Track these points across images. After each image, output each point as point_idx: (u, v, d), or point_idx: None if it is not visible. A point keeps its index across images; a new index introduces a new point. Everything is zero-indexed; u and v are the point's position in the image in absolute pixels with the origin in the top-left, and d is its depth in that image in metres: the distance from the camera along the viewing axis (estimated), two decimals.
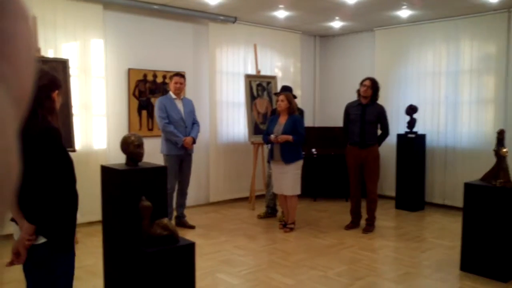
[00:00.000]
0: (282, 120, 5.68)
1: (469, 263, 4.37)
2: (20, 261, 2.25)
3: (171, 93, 5.78)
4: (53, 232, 2.28)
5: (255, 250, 5.09)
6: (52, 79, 2.40)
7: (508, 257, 4.20)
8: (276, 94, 6.32)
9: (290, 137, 5.50)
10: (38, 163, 2.19)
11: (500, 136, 4.37)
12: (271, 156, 5.77)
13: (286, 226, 5.81)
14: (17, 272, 2.56)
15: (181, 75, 5.78)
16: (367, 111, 5.71)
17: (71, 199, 2.34)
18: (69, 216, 2.35)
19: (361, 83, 5.76)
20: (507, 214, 4.18)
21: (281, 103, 5.63)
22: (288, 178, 5.60)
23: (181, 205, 5.98)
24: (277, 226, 5.98)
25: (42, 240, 2.26)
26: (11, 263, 2.28)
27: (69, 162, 2.33)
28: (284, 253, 4.97)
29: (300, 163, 5.68)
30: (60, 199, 2.27)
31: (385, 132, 5.85)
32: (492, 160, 4.44)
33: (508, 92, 6.45)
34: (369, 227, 5.80)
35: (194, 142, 5.76)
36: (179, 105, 5.73)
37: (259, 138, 6.72)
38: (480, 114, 6.78)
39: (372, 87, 5.69)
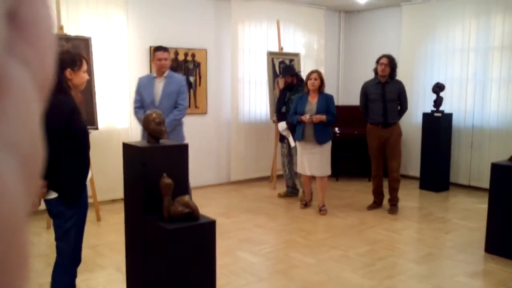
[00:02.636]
0: (313, 99, 5.56)
1: (494, 245, 4.29)
2: (34, 208, 2.65)
3: (154, 71, 5.03)
4: (63, 188, 2.74)
5: (275, 229, 5.09)
6: (63, 58, 2.74)
7: None
8: (283, 74, 6.27)
9: (324, 117, 5.40)
10: (52, 131, 2.51)
11: None
12: (301, 136, 5.57)
13: (321, 209, 5.67)
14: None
15: (164, 48, 4.95)
16: (386, 89, 5.59)
17: (81, 163, 2.81)
18: (77, 177, 2.81)
19: (378, 62, 5.63)
20: None
21: (314, 82, 5.50)
22: (319, 159, 5.53)
23: None
24: (298, 205, 5.96)
25: (54, 195, 2.73)
26: None
27: (81, 130, 2.78)
28: (305, 232, 4.95)
29: (330, 143, 5.62)
30: (68, 163, 2.70)
31: (404, 108, 5.76)
32: None
33: None
34: (394, 208, 5.71)
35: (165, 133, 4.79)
36: (159, 84, 4.85)
37: None
38: (510, 92, 6.56)
39: (389, 64, 5.55)
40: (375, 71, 5.68)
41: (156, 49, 4.95)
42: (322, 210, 5.69)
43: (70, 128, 2.68)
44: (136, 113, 4.92)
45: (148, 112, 3.46)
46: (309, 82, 5.56)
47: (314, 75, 5.57)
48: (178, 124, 4.87)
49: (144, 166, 3.19)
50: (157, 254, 3.11)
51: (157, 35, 6.34)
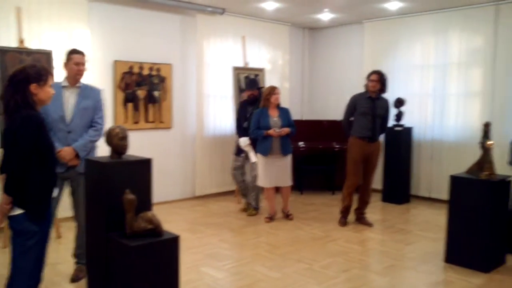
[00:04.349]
0: (274, 113, 5.77)
1: (453, 255, 4.41)
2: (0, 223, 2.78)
3: (64, 79, 3.97)
4: (29, 204, 2.71)
5: (240, 244, 5.08)
6: (28, 72, 2.71)
7: (490, 249, 4.25)
8: (249, 87, 6.36)
9: (289, 130, 5.74)
10: (19, 147, 2.62)
11: (486, 129, 4.39)
12: (268, 150, 5.70)
13: (289, 214, 6.04)
14: None
15: (82, 53, 4.00)
16: (377, 104, 5.61)
17: (47, 179, 2.80)
18: (43, 192, 2.79)
19: (368, 78, 5.61)
20: (491, 206, 4.21)
21: (278, 97, 5.79)
22: (286, 170, 5.84)
23: (81, 253, 4.07)
24: (262, 219, 5.98)
25: (19, 211, 2.70)
26: None
27: (48, 146, 2.77)
28: (270, 246, 4.97)
29: (291, 154, 5.93)
30: (35, 178, 2.69)
31: (385, 127, 5.85)
32: (478, 153, 4.46)
33: (495, 85, 6.48)
34: (367, 219, 5.83)
35: (78, 157, 3.85)
36: (70, 96, 3.91)
37: None
38: (467, 107, 6.81)
39: (379, 80, 5.57)
40: (366, 87, 5.64)
41: (74, 52, 3.97)
42: (289, 215, 6.02)
43: (37, 144, 2.67)
44: None
45: (110, 127, 3.42)
46: (273, 97, 5.71)
47: (278, 90, 5.83)
48: (93, 147, 4.06)
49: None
50: (119, 271, 3.06)
51: (121, 49, 6.30)
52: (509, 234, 4.58)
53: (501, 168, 4.82)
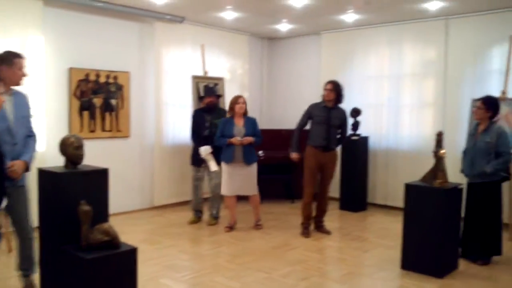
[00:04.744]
0: (239, 122, 5.80)
1: (409, 262, 4.52)
2: None
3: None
4: None
5: (200, 254, 5.03)
6: None
7: (444, 255, 4.38)
8: (206, 94, 6.29)
9: (252, 139, 5.73)
10: None
11: (439, 138, 4.53)
12: (231, 158, 5.72)
13: (257, 224, 6.05)
14: None
15: (25, 57, 3.72)
16: (332, 114, 5.66)
17: None
18: None
19: (324, 87, 5.69)
20: (445, 213, 4.34)
21: (242, 106, 5.79)
22: (249, 179, 5.84)
23: (27, 267, 3.78)
24: (222, 229, 5.95)
25: None
26: None
27: None
28: (230, 256, 4.94)
29: (256, 163, 5.92)
30: None
31: (345, 136, 5.93)
32: (431, 161, 4.60)
33: (446, 95, 6.72)
34: (325, 227, 5.90)
35: (27, 169, 3.60)
36: (8, 104, 3.53)
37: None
38: (420, 117, 7.03)
39: (334, 89, 5.63)
40: (323, 96, 5.71)
41: (17, 56, 3.64)
42: (257, 225, 6.03)
43: None
44: None
45: (65, 136, 3.33)
46: (237, 106, 5.77)
47: (242, 99, 5.84)
48: None
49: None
50: (75, 285, 2.97)
51: (77, 56, 6.15)
52: (462, 240, 4.75)
53: (453, 176, 4.99)
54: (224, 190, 5.87)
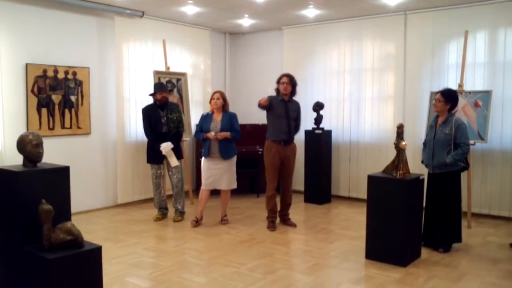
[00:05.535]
0: (217, 117, 5.83)
1: (374, 251, 4.61)
2: None
3: None
4: None
5: (166, 251, 4.98)
6: None
7: (407, 244, 4.49)
8: (156, 90, 6.12)
9: (228, 134, 5.74)
10: None
11: (400, 130, 4.63)
12: (208, 153, 5.74)
13: (223, 219, 6.05)
14: None
15: None
16: (289, 107, 5.72)
17: None
18: None
19: (279, 81, 5.71)
20: (407, 203, 4.45)
21: (217, 101, 5.79)
22: (226, 173, 5.83)
23: None
24: (187, 225, 5.91)
25: None
26: None
27: None
28: (196, 251, 4.91)
29: (235, 158, 5.93)
30: None
31: (299, 128, 5.96)
32: (393, 153, 4.70)
33: (406, 89, 6.88)
34: (291, 220, 5.94)
35: None
36: None
37: None
38: (381, 110, 7.18)
39: (290, 82, 5.66)
40: (277, 90, 5.74)
41: None
42: (224, 220, 6.04)
43: None
44: None
45: (22, 134, 3.23)
46: (212, 102, 5.83)
47: (217, 95, 5.85)
48: None
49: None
50: (38, 287, 2.88)
51: (33, 51, 5.95)
52: (424, 229, 4.88)
53: (414, 167, 5.12)
54: (202, 184, 5.91)
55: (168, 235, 5.61)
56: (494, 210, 6.23)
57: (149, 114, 6.10)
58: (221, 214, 6.11)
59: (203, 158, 5.88)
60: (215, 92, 5.92)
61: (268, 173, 5.77)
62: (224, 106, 5.84)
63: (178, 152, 6.07)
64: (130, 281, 4.07)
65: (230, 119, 5.83)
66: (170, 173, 6.17)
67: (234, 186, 5.98)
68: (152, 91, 6.27)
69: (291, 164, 5.82)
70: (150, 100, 7.03)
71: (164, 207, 6.29)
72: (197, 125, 5.99)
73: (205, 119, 5.85)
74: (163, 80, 6.98)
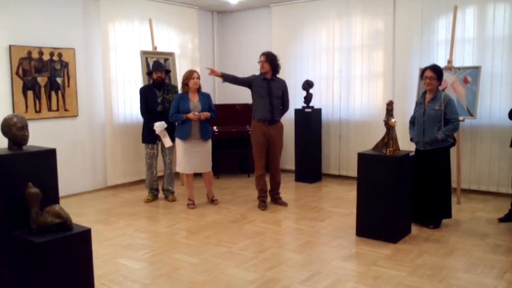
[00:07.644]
0: (194, 97, 5.71)
1: (364, 229, 4.64)
2: None
3: None
4: None
5: (157, 232, 4.97)
6: None
7: (397, 220, 4.52)
8: (154, 69, 6.09)
9: (209, 114, 5.69)
10: None
11: (389, 107, 4.62)
12: (188, 135, 5.60)
13: (214, 200, 6.02)
14: None
15: None
16: (272, 85, 5.67)
17: None
18: None
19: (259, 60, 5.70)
20: (397, 180, 4.47)
21: (197, 81, 5.69)
22: (206, 155, 5.80)
23: None
24: (177, 206, 5.91)
25: None
26: None
27: None
28: (188, 232, 4.91)
29: (211, 139, 5.89)
30: None
31: (287, 106, 5.90)
32: (383, 131, 4.70)
33: (395, 66, 6.85)
34: (282, 199, 5.93)
35: None
36: None
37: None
38: (371, 87, 7.15)
39: (267, 60, 5.62)
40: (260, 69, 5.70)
41: None
42: (214, 201, 6.02)
43: None
44: None
45: (7, 116, 3.17)
46: (191, 81, 5.66)
47: (196, 74, 5.74)
48: None
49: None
50: (26, 271, 2.86)
51: (17, 32, 5.82)
52: (413, 205, 4.91)
53: (404, 144, 5.12)
54: (181, 168, 5.78)
55: (159, 216, 5.60)
56: (483, 186, 6.29)
57: (145, 93, 6.08)
58: (209, 195, 6.07)
59: (178, 141, 5.73)
60: (193, 71, 5.76)
61: (255, 153, 5.76)
62: (199, 86, 5.76)
63: (172, 133, 5.99)
64: (122, 263, 4.06)
65: (207, 99, 5.78)
66: (163, 153, 6.16)
67: (210, 168, 5.91)
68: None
69: (277, 143, 5.77)
70: (138, 81, 6.98)
71: (155, 188, 6.27)
72: (172, 107, 5.75)
73: (181, 100, 5.67)
74: (151, 61, 6.88)
